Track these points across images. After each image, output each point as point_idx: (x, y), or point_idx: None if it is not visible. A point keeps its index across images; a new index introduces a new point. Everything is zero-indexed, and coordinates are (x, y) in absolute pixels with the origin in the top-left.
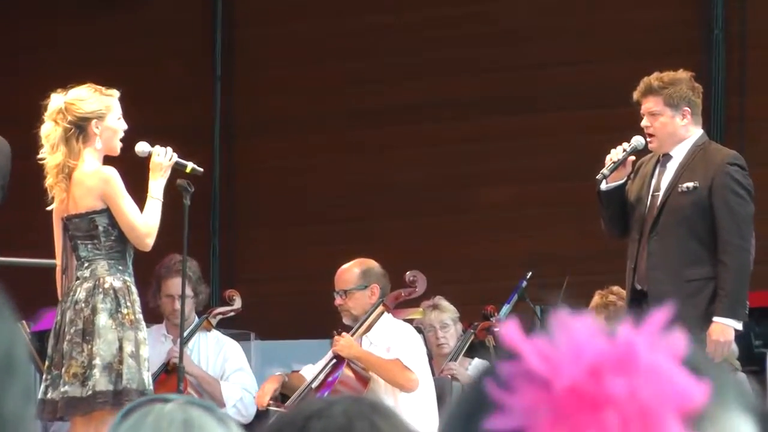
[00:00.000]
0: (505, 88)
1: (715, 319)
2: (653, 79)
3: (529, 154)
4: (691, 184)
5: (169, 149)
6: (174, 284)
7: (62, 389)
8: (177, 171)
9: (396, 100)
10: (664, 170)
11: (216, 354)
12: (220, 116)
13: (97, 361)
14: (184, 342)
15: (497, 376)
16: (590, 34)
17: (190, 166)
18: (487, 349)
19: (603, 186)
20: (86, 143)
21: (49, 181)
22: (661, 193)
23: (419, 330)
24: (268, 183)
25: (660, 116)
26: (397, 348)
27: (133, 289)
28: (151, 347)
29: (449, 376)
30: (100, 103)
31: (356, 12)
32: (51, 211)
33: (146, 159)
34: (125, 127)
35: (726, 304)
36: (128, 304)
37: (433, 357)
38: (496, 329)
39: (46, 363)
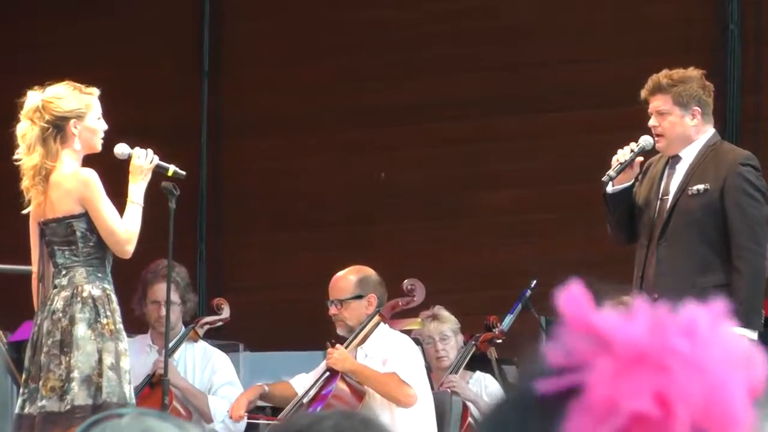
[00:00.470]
0: (508, 87)
1: None
2: (662, 76)
3: (533, 155)
4: (701, 187)
5: (150, 151)
6: (161, 290)
7: (40, 404)
8: (161, 173)
9: (393, 99)
10: (673, 172)
11: (203, 366)
12: (208, 115)
13: (76, 374)
14: (169, 353)
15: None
16: (597, 30)
17: (171, 169)
18: (489, 362)
19: (609, 188)
20: (64, 144)
21: (25, 183)
22: (670, 197)
23: (417, 341)
24: (258, 185)
25: (668, 116)
26: (394, 361)
27: (113, 297)
28: (135, 358)
29: (449, 390)
30: (80, 102)
31: (352, 6)
32: (28, 215)
33: (126, 161)
34: (105, 127)
35: (740, 312)
36: (108, 313)
37: (433, 370)
38: (498, 341)
39: (24, 376)
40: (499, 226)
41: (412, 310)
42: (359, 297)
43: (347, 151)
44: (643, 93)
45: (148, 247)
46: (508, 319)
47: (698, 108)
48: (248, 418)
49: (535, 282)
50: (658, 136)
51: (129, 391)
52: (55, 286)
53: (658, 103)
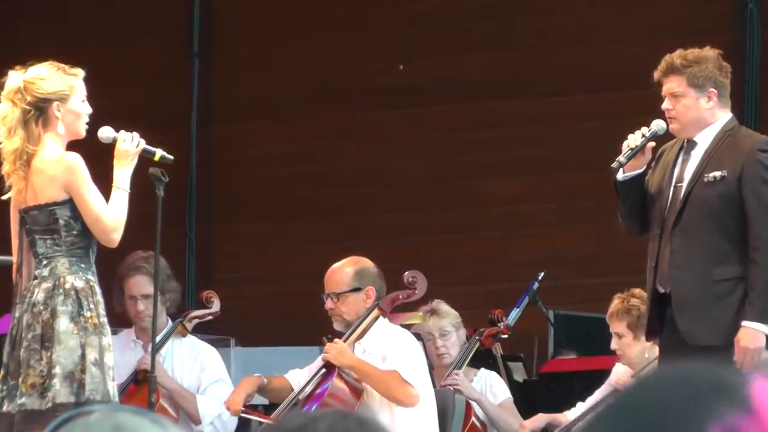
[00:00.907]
0: (512, 70)
1: (744, 323)
2: (676, 56)
3: (541, 141)
4: (718, 174)
5: (136, 135)
6: (136, 283)
7: (19, 401)
8: (148, 158)
9: (392, 82)
10: (688, 158)
11: (192, 362)
12: (198, 98)
13: (57, 370)
14: (156, 348)
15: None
16: (609, 9)
17: (159, 153)
18: (494, 358)
19: (620, 176)
20: (47, 127)
21: (5, 168)
22: (684, 184)
23: (418, 337)
24: (251, 172)
25: (683, 98)
26: (395, 357)
27: (97, 289)
28: (120, 354)
29: (452, 388)
30: (63, 84)
31: None
32: (7, 202)
33: (111, 146)
34: (90, 110)
35: (757, 306)
36: (91, 306)
37: (434, 367)
38: (503, 336)
39: (1, 372)
40: (505, 216)
41: (414, 303)
42: (356, 290)
43: (344, 136)
44: (656, 74)
45: (134, 236)
46: (514, 314)
47: (714, 90)
48: (244, 413)
49: (542, 274)
50: (671, 119)
51: (113, 388)
52: (35, 277)
53: (672, 84)
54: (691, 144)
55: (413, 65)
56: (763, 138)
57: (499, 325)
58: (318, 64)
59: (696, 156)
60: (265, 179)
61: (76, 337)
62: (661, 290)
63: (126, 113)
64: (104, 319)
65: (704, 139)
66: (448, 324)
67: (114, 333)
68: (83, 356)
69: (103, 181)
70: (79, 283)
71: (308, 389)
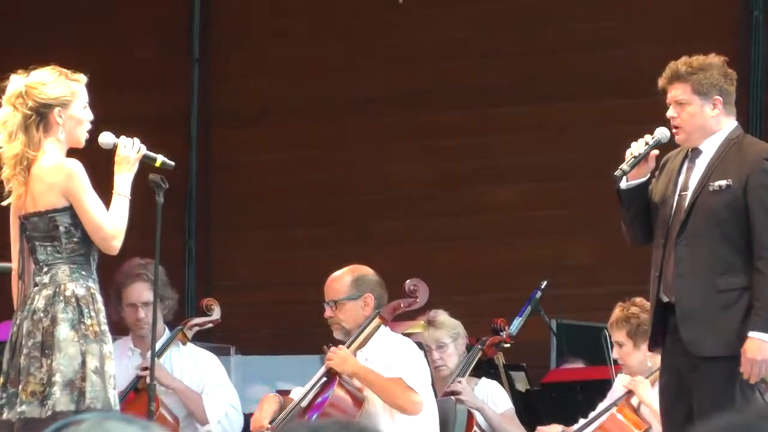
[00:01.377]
0: (516, 75)
1: (750, 334)
2: (681, 63)
3: (543, 148)
4: (723, 183)
5: (137, 140)
6: (135, 291)
7: (19, 409)
8: (148, 165)
9: (394, 87)
10: (692, 167)
11: (192, 369)
12: (198, 103)
13: (58, 378)
14: (155, 356)
15: None
16: (613, 15)
17: (160, 159)
18: (496, 367)
19: (623, 184)
20: (47, 133)
21: (5, 173)
22: (689, 193)
23: (420, 345)
24: (251, 179)
25: (687, 105)
26: (398, 366)
27: (98, 296)
28: (117, 362)
29: (453, 398)
30: (65, 89)
31: None
32: (7, 207)
33: (111, 152)
34: (91, 117)
35: (763, 317)
36: (92, 313)
37: (434, 379)
38: (506, 345)
39: (1, 380)
40: (507, 224)
41: (416, 312)
42: (355, 297)
43: (345, 143)
44: (661, 82)
45: (134, 243)
46: (517, 322)
47: (719, 97)
48: None
49: (545, 283)
50: (676, 127)
51: (113, 396)
52: (36, 284)
53: (676, 92)
54: (696, 152)
55: (414, 71)
56: None
57: (501, 334)
58: (319, 70)
59: (701, 164)
60: (266, 186)
61: (77, 345)
62: (666, 299)
63: (126, 118)
64: (105, 327)
65: (709, 148)
66: (444, 335)
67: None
68: (84, 364)
69: (104, 187)
70: (80, 291)
71: (309, 398)
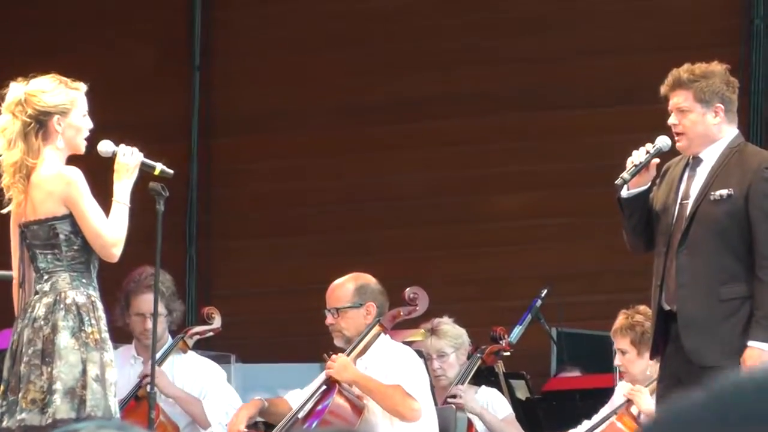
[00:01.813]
0: (518, 83)
1: (750, 343)
2: (683, 71)
3: (545, 157)
4: (725, 192)
5: (135, 149)
6: (144, 301)
7: (19, 417)
8: (149, 173)
9: (396, 95)
10: (693, 175)
11: (193, 377)
12: (199, 111)
13: (58, 386)
14: (157, 364)
15: None
16: (615, 23)
17: (158, 167)
18: (496, 376)
19: (624, 192)
20: (46, 141)
21: (5, 181)
22: (690, 201)
23: (420, 354)
24: (252, 187)
25: (689, 113)
26: (398, 373)
27: (99, 304)
28: (120, 370)
29: (453, 406)
30: (65, 97)
31: None
32: (7, 215)
33: (111, 160)
34: (91, 125)
35: (763, 326)
36: (93, 321)
37: (434, 388)
38: (506, 354)
39: (2, 387)
40: (508, 232)
41: (415, 320)
42: (357, 305)
43: (345, 151)
44: (663, 89)
45: (134, 251)
46: (517, 331)
47: (721, 105)
48: None
49: (545, 291)
50: (678, 135)
51: (114, 404)
52: (36, 292)
53: (678, 99)
54: (697, 160)
55: (415, 79)
56: None
57: (501, 342)
58: (319, 78)
59: (702, 173)
60: (266, 194)
61: (77, 353)
62: (667, 307)
63: (126, 126)
64: (106, 335)
65: (710, 156)
66: (446, 345)
67: (113, 348)
68: (84, 372)
69: (103, 195)
70: (81, 299)
71: (308, 406)
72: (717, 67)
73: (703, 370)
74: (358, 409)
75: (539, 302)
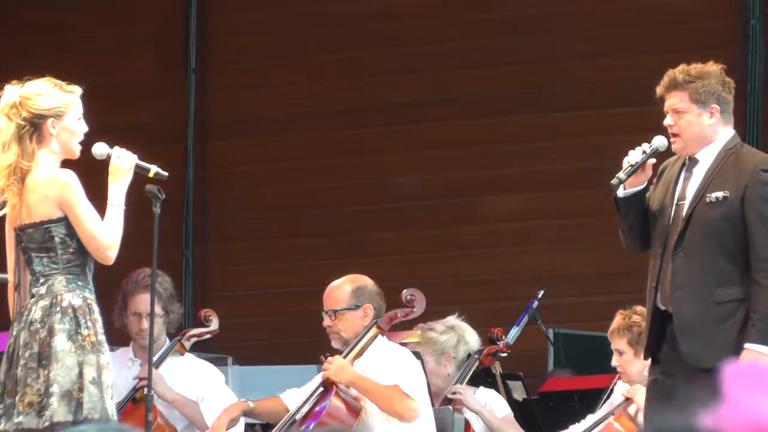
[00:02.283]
0: (514, 84)
1: (747, 346)
2: (679, 72)
3: (542, 158)
4: (720, 194)
5: (129, 152)
6: (142, 301)
7: (16, 420)
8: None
9: (391, 97)
10: (690, 176)
11: (191, 380)
12: (194, 114)
13: (55, 389)
14: (154, 367)
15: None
16: (611, 24)
17: (153, 169)
18: (494, 377)
19: (620, 192)
20: (41, 144)
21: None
22: (686, 203)
23: (417, 355)
24: (248, 189)
25: (685, 114)
26: (395, 374)
27: (95, 307)
28: (117, 372)
29: (451, 408)
30: (59, 100)
31: None
32: (2, 219)
33: (106, 162)
34: (85, 129)
35: (759, 329)
36: (89, 324)
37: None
38: (503, 355)
39: None
40: (505, 234)
41: (413, 321)
42: (354, 307)
43: (342, 153)
44: (659, 90)
45: (131, 253)
46: (514, 332)
47: (717, 106)
48: None
49: (542, 292)
50: (673, 135)
51: (111, 407)
52: (32, 295)
53: (674, 100)
54: (693, 161)
55: (411, 81)
56: (766, 157)
57: (498, 343)
58: (316, 81)
59: (698, 174)
60: (262, 197)
61: (74, 356)
62: (662, 308)
63: (122, 129)
64: (102, 337)
65: (706, 157)
66: (425, 353)
67: (111, 350)
68: (81, 375)
69: (98, 197)
70: (77, 301)
71: (305, 408)
72: (713, 67)
73: (700, 373)
74: (356, 411)
75: (536, 303)
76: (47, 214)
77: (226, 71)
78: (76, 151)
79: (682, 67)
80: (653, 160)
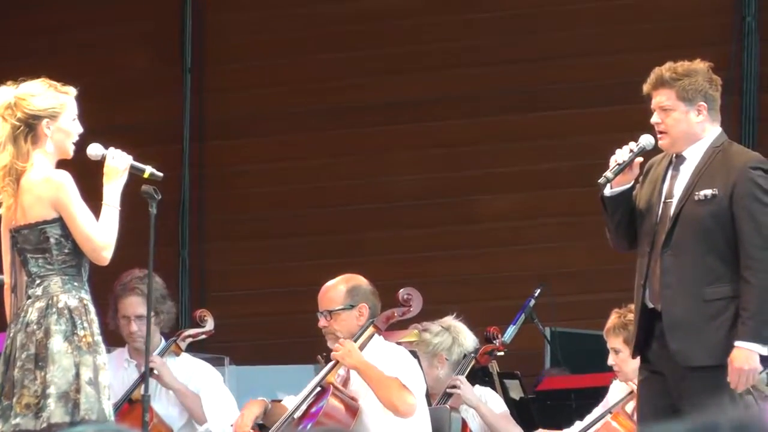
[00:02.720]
0: (511, 83)
1: (737, 343)
2: (666, 69)
3: (539, 156)
4: (709, 192)
5: (124, 153)
6: (130, 304)
7: (13, 421)
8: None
9: (388, 97)
10: (677, 174)
11: (187, 379)
12: (190, 114)
13: (52, 390)
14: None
15: None
16: (608, 21)
17: (148, 170)
18: (490, 375)
19: (607, 191)
20: (35, 144)
21: None
22: (674, 201)
23: (414, 354)
24: (244, 189)
25: (672, 111)
26: (395, 370)
27: (91, 307)
28: (113, 373)
29: (448, 407)
30: (54, 101)
31: None
32: None
33: (100, 163)
34: (80, 130)
35: (749, 326)
36: (85, 324)
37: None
38: (500, 353)
39: None
40: (501, 232)
41: (409, 321)
42: (349, 307)
43: (339, 153)
44: (645, 87)
45: (127, 254)
46: (511, 331)
47: (704, 103)
48: None
49: (539, 291)
50: (660, 133)
51: (108, 407)
52: (28, 297)
53: (661, 98)
54: (680, 159)
55: (408, 80)
56: (755, 155)
57: (495, 342)
58: (312, 80)
59: (685, 172)
60: (259, 196)
61: (70, 357)
62: (651, 306)
63: (118, 129)
64: (99, 338)
65: (693, 155)
66: (419, 354)
67: (107, 352)
68: (78, 376)
69: (93, 198)
70: (73, 302)
71: (303, 408)
72: (700, 65)
73: (690, 371)
74: (353, 411)
75: (532, 302)
76: (42, 215)
77: (222, 71)
78: (70, 152)
79: (668, 64)
80: (640, 159)
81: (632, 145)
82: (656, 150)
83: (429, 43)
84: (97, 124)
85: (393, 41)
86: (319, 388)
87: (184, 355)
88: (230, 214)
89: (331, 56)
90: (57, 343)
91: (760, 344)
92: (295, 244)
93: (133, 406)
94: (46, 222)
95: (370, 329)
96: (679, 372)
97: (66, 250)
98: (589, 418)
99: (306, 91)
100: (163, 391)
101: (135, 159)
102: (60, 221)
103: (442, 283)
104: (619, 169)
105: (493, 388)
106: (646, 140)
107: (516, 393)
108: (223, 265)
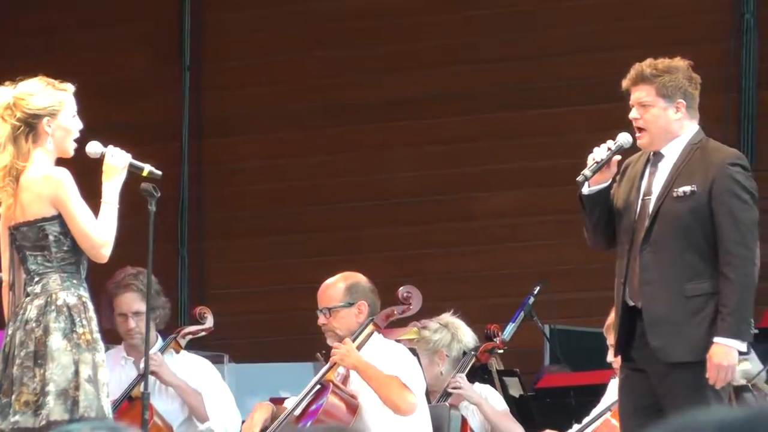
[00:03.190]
0: (509, 80)
1: (717, 339)
2: (646, 65)
3: (536, 153)
4: (687, 189)
5: (123, 151)
6: (126, 301)
7: (12, 419)
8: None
9: (386, 94)
10: (655, 171)
11: (187, 377)
12: (189, 112)
13: (51, 388)
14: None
15: None
16: (606, 18)
17: (147, 168)
18: (490, 373)
19: (585, 189)
20: (36, 143)
21: None
22: (653, 198)
23: (414, 352)
24: (243, 186)
25: (651, 107)
26: (394, 368)
27: (89, 305)
28: (110, 371)
29: (448, 404)
30: (53, 99)
31: None
32: None
33: (99, 161)
34: (80, 126)
35: (729, 322)
36: (84, 322)
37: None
38: (499, 351)
39: None
40: (501, 229)
41: (409, 318)
42: (348, 305)
43: (337, 150)
44: (625, 83)
45: (126, 251)
46: (510, 328)
47: (683, 101)
48: None
49: (538, 288)
50: (639, 129)
51: (107, 404)
52: (27, 294)
53: (640, 93)
54: (658, 156)
55: (406, 78)
56: (733, 152)
57: (494, 340)
58: (310, 77)
59: (664, 169)
60: (258, 194)
61: (69, 354)
62: (631, 303)
63: (117, 127)
64: (97, 335)
65: (672, 152)
66: (419, 352)
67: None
68: (77, 373)
69: (92, 196)
70: (72, 300)
71: (303, 406)
72: (680, 62)
73: (671, 368)
74: (353, 409)
75: (532, 299)
76: (41, 213)
77: (221, 69)
78: (70, 149)
79: (649, 61)
80: (618, 157)
81: (610, 143)
82: (634, 148)
83: (427, 40)
84: (96, 122)
85: (391, 39)
86: (318, 386)
87: (184, 353)
88: (229, 212)
89: (329, 54)
90: (56, 341)
91: (738, 340)
92: (294, 242)
93: (132, 403)
94: (45, 219)
95: (370, 327)
96: (662, 369)
97: (65, 248)
98: (589, 416)
99: (304, 89)
100: (162, 386)
101: (134, 157)
102: (59, 219)
103: (440, 280)
104: (597, 167)
105: (493, 385)
106: (623, 138)
107: (515, 390)
108: (222, 262)
